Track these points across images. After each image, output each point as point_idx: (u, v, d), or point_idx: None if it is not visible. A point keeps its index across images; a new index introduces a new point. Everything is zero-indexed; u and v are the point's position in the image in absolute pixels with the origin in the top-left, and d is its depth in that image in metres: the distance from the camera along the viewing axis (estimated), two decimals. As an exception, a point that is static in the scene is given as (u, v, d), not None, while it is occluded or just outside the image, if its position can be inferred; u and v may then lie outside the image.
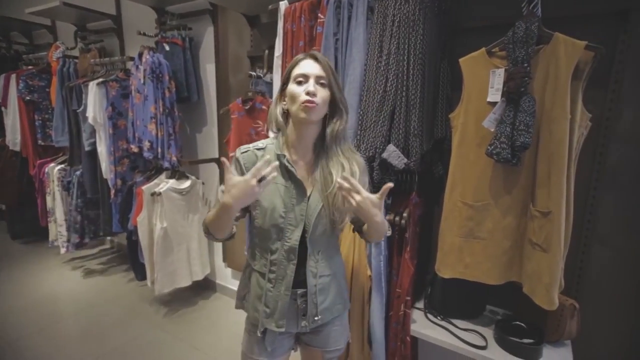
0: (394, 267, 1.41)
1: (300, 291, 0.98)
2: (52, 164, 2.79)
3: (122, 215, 2.40)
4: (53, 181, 2.72)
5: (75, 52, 2.82)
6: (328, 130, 0.94)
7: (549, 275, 1.13)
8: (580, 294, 1.34)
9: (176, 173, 2.29)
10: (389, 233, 1.03)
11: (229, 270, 2.56)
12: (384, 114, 1.28)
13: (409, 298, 1.36)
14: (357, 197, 0.83)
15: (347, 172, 0.93)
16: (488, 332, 1.34)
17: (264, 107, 1.87)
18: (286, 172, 0.95)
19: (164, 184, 2.22)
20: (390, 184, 0.84)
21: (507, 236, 1.23)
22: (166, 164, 2.15)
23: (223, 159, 0.81)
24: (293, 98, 0.90)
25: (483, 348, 1.26)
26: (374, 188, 1.35)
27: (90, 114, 2.29)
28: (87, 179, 2.55)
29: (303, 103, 0.87)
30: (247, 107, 1.90)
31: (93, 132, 2.41)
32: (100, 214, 2.66)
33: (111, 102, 2.29)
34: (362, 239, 1.11)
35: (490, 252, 1.25)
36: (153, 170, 2.36)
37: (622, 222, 1.27)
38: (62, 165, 2.73)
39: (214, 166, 2.42)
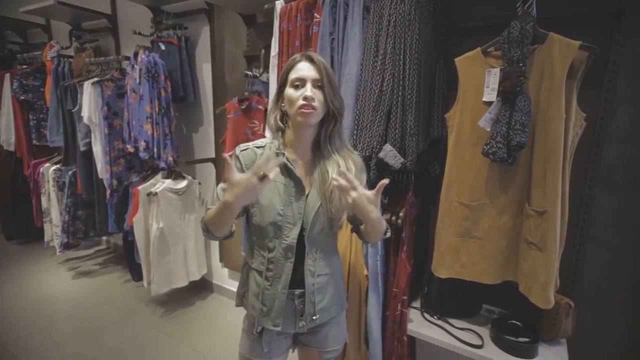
0: (391, 266, 1.41)
1: (297, 291, 0.98)
2: (47, 164, 2.77)
3: (118, 216, 2.39)
4: (48, 181, 2.71)
5: (70, 52, 2.79)
6: (322, 131, 0.96)
7: (544, 274, 1.13)
8: (575, 293, 1.35)
9: (172, 173, 2.28)
10: (389, 234, 1.03)
11: (225, 271, 2.55)
12: (381, 114, 1.28)
13: (405, 297, 1.37)
14: (354, 194, 0.83)
15: (343, 169, 0.93)
16: (484, 331, 1.35)
17: (260, 106, 1.86)
18: (285, 170, 0.95)
19: (160, 184, 2.21)
20: (386, 180, 0.85)
21: (503, 235, 1.23)
22: (162, 164, 2.14)
23: (225, 154, 0.80)
24: (291, 102, 0.90)
25: (479, 347, 1.27)
26: (371, 188, 1.35)
27: (85, 113, 2.28)
28: (83, 179, 2.53)
29: (301, 108, 0.88)
30: (243, 107, 1.90)
31: (88, 132, 2.40)
32: (90, 214, 2.65)
33: (106, 102, 2.27)
34: (361, 240, 1.11)
35: (486, 251, 1.26)
36: (149, 170, 2.35)
37: (617, 221, 1.28)
38: (58, 166, 2.71)
39: (210, 166, 2.41)
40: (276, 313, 0.97)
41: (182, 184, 2.28)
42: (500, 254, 1.24)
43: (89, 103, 2.25)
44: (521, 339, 1.26)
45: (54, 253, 2.78)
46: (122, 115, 2.29)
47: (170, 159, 2.13)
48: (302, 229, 0.95)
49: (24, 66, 3.00)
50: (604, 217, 1.29)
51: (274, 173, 0.78)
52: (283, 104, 0.95)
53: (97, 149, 2.37)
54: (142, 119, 2.08)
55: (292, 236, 0.94)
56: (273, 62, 1.61)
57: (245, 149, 0.98)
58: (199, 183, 2.39)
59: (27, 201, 3.05)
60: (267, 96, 1.78)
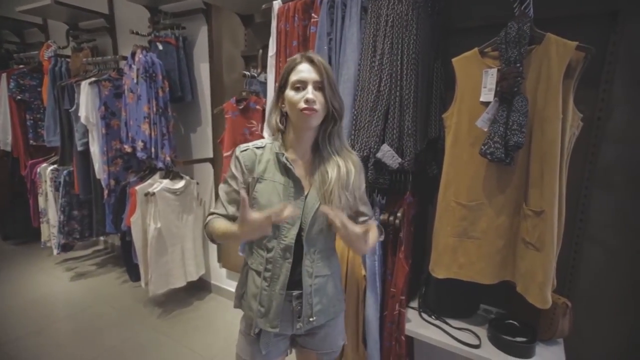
0: (389, 266, 1.42)
1: (295, 293, 0.98)
2: (44, 164, 2.76)
3: (116, 216, 2.38)
4: (45, 181, 2.69)
5: (67, 51, 2.78)
6: (322, 131, 0.96)
7: (542, 274, 1.14)
8: (572, 293, 1.35)
9: (170, 173, 2.27)
10: (382, 238, 1.04)
11: (223, 271, 2.55)
12: (378, 114, 1.28)
13: (403, 297, 1.37)
14: (342, 231, 0.88)
15: (343, 171, 0.94)
16: (482, 331, 1.35)
17: (258, 106, 1.86)
18: (284, 170, 0.95)
19: (158, 184, 2.20)
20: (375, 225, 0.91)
21: (500, 235, 1.23)
22: (160, 164, 2.13)
23: (243, 194, 0.82)
24: (292, 105, 0.90)
25: (477, 347, 1.27)
26: (369, 187, 1.35)
27: (82, 113, 2.27)
28: (80, 179, 2.52)
29: (302, 111, 0.88)
30: (241, 107, 1.89)
31: (86, 132, 2.39)
32: (85, 214, 2.64)
33: (104, 102, 2.26)
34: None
35: (484, 251, 1.26)
36: (147, 170, 2.35)
37: (614, 221, 1.28)
38: (55, 166, 2.70)
39: (208, 166, 2.41)
40: (274, 314, 0.97)
41: (180, 184, 2.28)
42: (498, 254, 1.25)
43: (87, 103, 2.25)
44: (518, 339, 1.26)
45: (51, 253, 2.77)
46: (119, 115, 2.28)
47: (168, 159, 2.13)
48: (301, 229, 0.95)
49: (21, 66, 2.99)
50: (601, 217, 1.30)
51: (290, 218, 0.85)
52: (283, 105, 0.95)
53: (95, 149, 2.36)
54: (140, 118, 2.07)
55: (290, 236, 0.94)
56: (271, 62, 1.61)
57: (245, 150, 0.98)
58: (197, 183, 2.38)
59: (23, 201, 3.04)
60: (265, 96, 1.78)
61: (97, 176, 2.42)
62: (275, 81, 1.59)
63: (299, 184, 0.94)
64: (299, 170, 0.96)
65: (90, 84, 2.23)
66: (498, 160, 1.12)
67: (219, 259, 2.53)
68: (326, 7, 1.38)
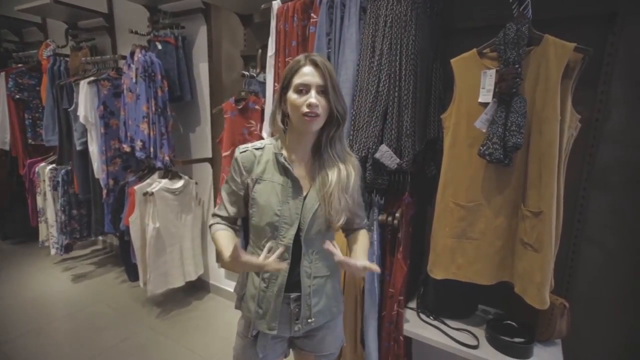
0: (387, 267, 1.42)
1: (293, 295, 0.97)
2: (43, 164, 2.76)
3: (114, 216, 2.38)
4: (44, 181, 2.69)
5: (66, 51, 2.78)
6: (324, 135, 0.95)
7: (540, 274, 1.14)
8: (570, 294, 1.35)
9: (169, 173, 2.27)
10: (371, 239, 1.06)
11: (222, 271, 2.55)
12: (377, 115, 1.28)
13: (401, 298, 1.37)
14: (346, 268, 0.91)
15: (344, 174, 0.94)
16: (480, 332, 1.35)
17: (257, 106, 1.86)
18: (283, 170, 0.95)
19: (157, 183, 2.20)
20: (377, 269, 0.92)
21: (498, 236, 1.24)
22: (159, 164, 2.13)
23: (236, 244, 0.83)
24: (294, 108, 0.89)
25: (475, 347, 1.27)
26: (367, 187, 1.35)
27: (81, 113, 2.26)
28: (79, 179, 2.52)
29: (304, 115, 0.87)
30: (240, 107, 1.89)
31: (84, 132, 2.39)
32: (84, 214, 2.64)
33: (103, 101, 2.26)
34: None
35: (482, 252, 1.26)
36: (145, 169, 2.34)
37: (612, 221, 1.28)
38: (53, 165, 2.70)
39: (207, 166, 2.41)
40: (272, 316, 0.96)
41: (179, 183, 2.27)
42: (496, 254, 1.25)
43: (85, 102, 2.24)
44: (516, 340, 1.26)
45: (49, 253, 2.77)
46: (118, 114, 2.28)
47: (167, 158, 2.13)
48: (299, 230, 0.95)
49: (20, 65, 2.98)
50: (599, 217, 1.30)
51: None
52: (285, 106, 0.94)
53: (94, 149, 2.36)
54: (139, 118, 2.07)
55: (288, 237, 0.94)
56: (270, 62, 1.61)
57: (244, 151, 0.98)
58: (196, 183, 2.38)
59: (22, 201, 3.03)
60: (264, 96, 1.78)
61: (96, 176, 2.41)
62: (275, 81, 1.59)
63: (298, 184, 0.94)
64: (297, 171, 0.96)
65: (89, 83, 2.23)
66: (496, 161, 1.12)
67: (218, 259, 2.53)
68: (325, 7, 1.38)
